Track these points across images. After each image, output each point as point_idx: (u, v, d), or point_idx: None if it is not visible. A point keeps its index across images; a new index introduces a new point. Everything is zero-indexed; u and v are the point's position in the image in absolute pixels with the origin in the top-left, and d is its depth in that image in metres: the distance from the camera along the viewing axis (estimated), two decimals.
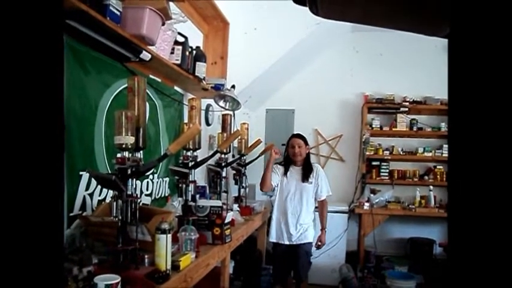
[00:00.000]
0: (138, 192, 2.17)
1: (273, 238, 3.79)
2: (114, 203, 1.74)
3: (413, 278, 4.38)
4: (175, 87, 3.38)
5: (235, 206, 3.58)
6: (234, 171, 3.82)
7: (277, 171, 3.78)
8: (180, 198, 2.54)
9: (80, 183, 2.13)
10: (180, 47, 2.87)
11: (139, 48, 2.24)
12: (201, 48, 3.44)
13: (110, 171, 2.27)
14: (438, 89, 4.92)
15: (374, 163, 5.37)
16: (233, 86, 3.68)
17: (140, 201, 2.59)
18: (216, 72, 4.05)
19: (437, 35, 0.81)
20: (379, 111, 5.40)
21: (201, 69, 3.20)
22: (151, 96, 2.91)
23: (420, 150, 5.26)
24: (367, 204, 4.98)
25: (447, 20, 0.56)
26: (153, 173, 2.95)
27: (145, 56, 2.29)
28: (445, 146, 5.17)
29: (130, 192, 1.76)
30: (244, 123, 4.03)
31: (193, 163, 2.52)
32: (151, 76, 2.88)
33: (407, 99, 5.22)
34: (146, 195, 2.88)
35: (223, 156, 3.19)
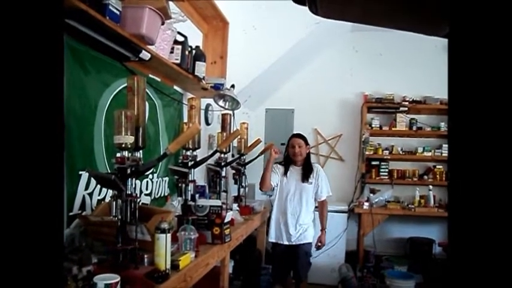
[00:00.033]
0: (137, 191, 2.17)
1: (272, 238, 3.78)
2: (114, 203, 1.74)
3: (412, 278, 4.38)
4: (175, 87, 3.37)
5: (235, 206, 3.58)
6: (234, 171, 3.82)
7: (277, 171, 3.77)
8: (179, 198, 2.54)
9: (80, 183, 2.12)
10: (180, 47, 2.87)
11: (139, 48, 2.23)
12: (201, 47, 3.44)
13: (109, 171, 2.27)
14: (438, 88, 4.92)
15: (373, 163, 5.38)
16: (233, 86, 3.67)
17: (140, 200, 2.59)
18: (216, 72, 4.05)
19: (437, 34, 0.81)
20: (378, 110, 5.40)
21: (200, 68, 3.20)
22: (151, 96, 2.91)
23: (420, 149, 5.26)
24: (366, 203, 4.98)
25: (446, 19, 0.56)
26: (152, 173, 2.95)
27: (144, 55, 2.29)
28: (445, 146, 5.17)
29: (129, 192, 1.76)
30: (243, 123, 4.03)
31: (192, 163, 2.52)
32: (150, 75, 2.88)
33: (407, 99, 5.23)
34: (146, 194, 2.88)
35: (222, 155, 3.19)
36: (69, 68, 1.98)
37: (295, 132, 4.10)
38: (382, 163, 5.35)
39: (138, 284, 1.63)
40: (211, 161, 2.94)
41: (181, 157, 2.53)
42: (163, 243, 1.75)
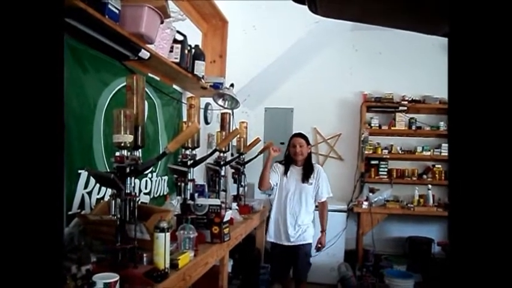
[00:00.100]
0: (136, 190, 2.17)
1: (271, 238, 3.76)
2: (113, 202, 1.74)
3: (411, 277, 4.39)
4: (174, 86, 3.37)
5: (234, 205, 3.58)
6: (233, 170, 3.82)
7: (277, 170, 3.75)
8: (178, 197, 2.54)
9: (79, 182, 2.12)
10: (179, 46, 2.86)
11: (138, 47, 2.23)
12: (200, 46, 3.44)
13: (108, 170, 2.27)
14: (437, 88, 4.93)
15: (373, 162, 5.39)
16: (232, 85, 3.67)
17: (139, 199, 2.58)
18: (215, 71, 4.05)
19: (436, 33, 0.81)
20: (378, 110, 5.40)
21: (199, 67, 3.19)
22: (150, 95, 2.90)
23: (419, 149, 5.26)
24: (365, 203, 4.99)
25: (446, 18, 0.56)
26: (151, 172, 2.94)
27: (144, 54, 2.29)
28: (444, 145, 5.18)
29: (129, 191, 1.76)
30: (243, 122, 4.03)
31: (192, 162, 2.52)
32: (150, 74, 2.88)
33: (406, 98, 5.23)
34: (145, 193, 2.88)
35: (222, 154, 3.19)
36: (68, 67, 1.98)
37: (295, 131, 4.08)
38: (382, 162, 5.36)
39: (137, 283, 1.63)
40: (210, 160, 2.94)
41: (180, 156, 2.53)
42: (163, 242, 1.75)
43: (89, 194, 2.20)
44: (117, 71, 2.42)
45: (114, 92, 2.40)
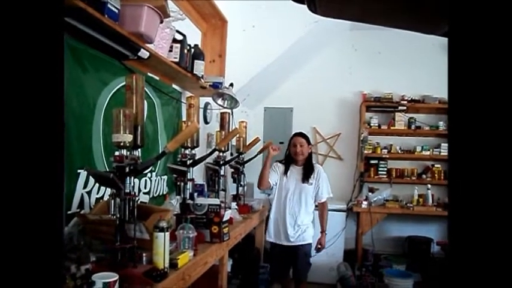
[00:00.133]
0: (136, 190, 2.17)
1: (271, 238, 3.74)
2: (112, 201, 1.74)
3: (411, 277, 4.39)
4: (174, 85, 3.37)
5: (234, 204, 3.57)
6: (232, 170, 3.82)
7: (277, 169, 3.73)
8: (178, 197, 2.54)
9: (78, 181, 2.12)
10: (179, 45, 2.86)
11: (138, 46, 2.23)
12: (199, 46, 3.44)
13: (107, 169, 2.27)
14: (436, 87, 4.93)
15: (372, 162, 5.39)
16: (231, 84, 3.67)
17: (138, 199, 2.58)
18: (214, 70, 4.05)
19: (435, 33, 0.82)
20: (377, 109, 5.41)
21: (199, 67, 3.19)
22: (150, 94, 2.90)
23: (418, 148, 5.27)
24: (365, 202, 4.99)
25: (445, 18, 0.56)
26: (151, 171, 2.94)
27: (143, 54, 2.28)
28: (443, 145, 5.19)
29: (128, 190, 1.75)
30: (242, 122, 4.03)
31: (191, 161, 2.51)
32: (149, 74, 2.88)
33: (406, 98, 5.23)
34: (144, 193, 2.88)
35: (221, 154, 3.18)
36: (67, 66, 1.97)
37: (294, 131, 4.07)
38: (381, 162, 5.37)
39: (137, 282, 1.63)
40: (209, 159, 2.94)
41: (179, 156, 2.53)
42: (162, 241, 1.75)
43: (88, 193, 2.20)
44: (117, 71, 2.41)
45: (113, 91, 2.40)
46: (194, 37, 3.64)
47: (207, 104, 4.20)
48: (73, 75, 2.04)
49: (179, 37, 2.89)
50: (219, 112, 3.81)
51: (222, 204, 2.64)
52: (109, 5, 1.93)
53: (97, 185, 2.23)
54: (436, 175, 5.22)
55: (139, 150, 1.84)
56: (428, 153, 5.23)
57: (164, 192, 3.16)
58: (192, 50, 3.15)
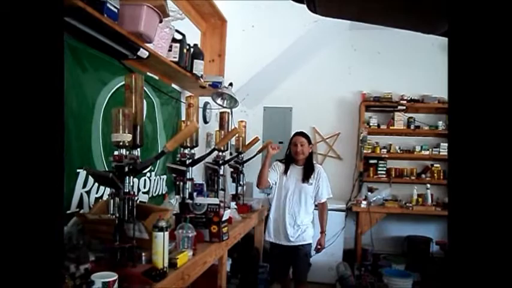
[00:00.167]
0: (135, 189, 2.17)
1: (270, 238, 3.70)
2: (111, 201, 1.74)
3: (410, 276, 4.39)
4: (173, 85, 3.37)
5: (233, 204, 3.57)
6: (232, 169, 3.82)
7: (277, 168, 3.70)
8: (177, 196, 2.54)
9: (77, 181, 2.12)
10: (178, 45, 2.86)
11: (137, 46, 2.23)
12: (199, 45, 3.44)
13: (107, 169, 2.27)
14: (436, 87, 4.94)
15: (371, 161, 5.39)
16: (231, 84, 3.67)
17: (137, 198, 2.59)
18: (214, 70, 4.05)
19: (434, 32, 0.82)
20: (376, 109, 5.41)
21: (198, 66, 3.19)
22: (149, 94, 2.90)
23: (417, 148, 5.27)
24: (364, 202, 5.00)
25: (444, 17, 0.56)
26: (150, 171, 2.94)
27: (142, 53, 2.28)
28: (443, 145, 5.19)
29: (127, 190, 1.75)
30: (241, 121, 4.03)
31: (190, 161, 2.52)
32: (148, 74, 2.88)
33: (405, 98, 5.23)
34: (143, 192, 2.88)
35: (220, 154, 3.18)
36: (67, 66, 1.97)
37: (294, 130, 4.05)
38: (380, 162, 5.37)
39: (136, 282, 1.63)
40: (209, 159, 2.94)
41: (179, 155, 2.53)
42: (161, 241, 1.75)
43: (88, 193, 2.20)
44: (116, 70, 2.41)
45: (112, 91, 2.40)
46: (193, 37, 3.64)
47: (206, 103, 4.20)
48: (72, 75, 2.04)
49: (178, 37, 2.89)
50: (218, 112, 3.80)
51: (221, 204, 2.64)
52: (108, 5, 1.93)
53: (96, 184, 2.23)
54: (435, 175, 5.23)
55: (138, 149, 1.84)
56: (427, 152, 5.23)
57: (163, 192, 3.16)
58: (192, 49, 3.15)
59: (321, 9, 0.84)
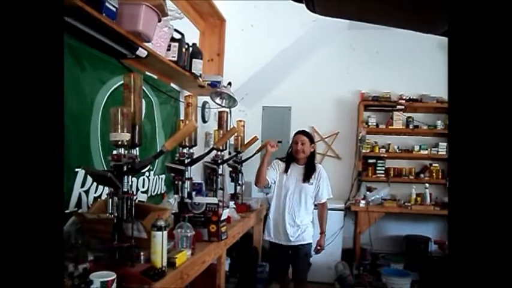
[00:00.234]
0: (134, 189, 2.17)
1: (270, 237, 3.68)
2: (110, 200, 1.74)
3: (409, 275, 4.40)
4: (172, 84, 3.37)
5: (232, 203, 3.56)
6: (230, 169, 3.81)
7: (276, 167, 3.67)
8: (176, 195, 2.54)
9: (76, 180, 2.12)
10: (177, 44, 2.86)
11: (136, 45, 2.23)
12: (198, 45, 3.44)
13: (105, 168, 2.27)
14: (434, 86, 4.95)
15: (370, 161, 5.40)
16: (229, 83, 3.67)
17: (136, 198, 2.58)
18: (213, 69, 4.05)
19: (434, 32, 0.82)
20: (375, 109, 5.42)
21: (197, 66, 3.19)
22: (148, 93, 2.90)
23: (416, 148, 5.28)
24: (363, 201, 5.00)
25: (443, 17, 0.56)
26: (149, 170, 2.94)
27: (141, 52, 2.28)
28: (441, 144, 5.20)
29: (126, 189, 1.75)
30: (240, 121, 4.03)
31: (189, 160, 2.51)
32: (147, 73, 2.87)
33: (404, 97, 5.24)
34: (142, 192, 2.88)
35: (219, 153, 3.18)
36: (65, 65, 1.97)
37: (292, 130, 4.06)
38: (379, 161, 5.38)
39: (134, 281, 1.63)
40: (207, 158, 2.94)
41: (177, 154, 2.53)
42: (160, 240, 1.75)
43: (86, 192, 2.20)
44: (115, 69, 2.41)
45: (111, 90, 2.40)
46: (192, 36, 3.64)
47: (205, 103, 4.20)
48: (71, 74, 2.04)
49: (177, 36, 2.88)
50: (217, 111, 3.80)
51: (220, 203, 2.63)
52: (107, 4, 1.93)
53: (95, 183, 2.22)
54: (434, 174, 5.24)
55: (137, 149, 1.84)
56: (426, 152, 5.24)
57: (162, 191, 3.16)
58: (190, 48, 3.14)
59: (320, 9, 0.84)
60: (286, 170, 3.64)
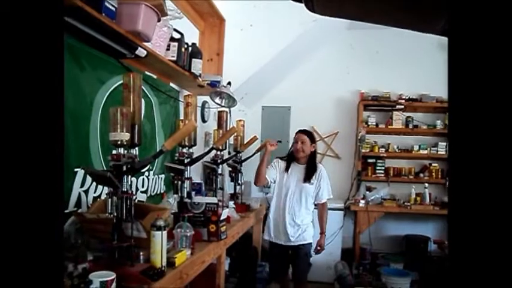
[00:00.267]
0: (133, 189, 2.16)
1: (270, 237, 3.65)
2: (109, 200, 1.74)
3: (408, 275, 4.39)
4: (171, 84, 3.37)
5: (231, 203, 3.56)
6: (230, 168, 3.81)
7: (277, 166, 3.64)
8: (175, 195, 2.54)
9: (75, 180, 2.12)
10: (176, 44, 2.86)
11: (135, 45, 2.23)
12: (197, 44, 3.44)
13: (105, 168, 2.27)
14: (434, 86, 4.95)
15: (370, 160, 5.40)
16: (229, 83, 3.67)
17: (135, 198, 2.58)
18: (212, 69, 4.05)
19: (434, 32, 0.82)
20: (375, 108, 5.41)
21: (197, 65, 3.19)
22: (147, 93, 2.90)
23: (416, 147, 5.28)
24: (362, 201, 5.00)
25: (443, 17, 0.56)
26: (148, 170, 2.94)
27: (140, 52, 2.28)
28: (441, 144, 5.20)
29: (125, 189, 1.75)
30: (240, 120, 4.03)
31: (189, 160, 2.51)
32: (146, 73, 2.87)
33: (403, 97, 5.24)
34: (142, 192, 2.88)
35: (219, 153, 3.18)
36: (65, 65, 1.97)
37: (293, 130, 4.05)
38: (378, 161, 5.37)
39: (134, 281, 1.62)
40: (207, 158, 2.94)
41: (177, 154, 2.53)
42: (159, 240, 1.75)
43: (86, 192, 2.20)
44: (114, 69, 2.41)
45: (110, 90, 2.40)
46: (192, 36, 3.64)
47: (204, 102, 4.20)
48: (70, 74, 2.04)
49: (177, 36, 2.88)
50: (216, 111, 3.80)
51: (220, 203, 2.63)
52: (106, 3, 1.93)
53: (94, 183, 2.22)
54: (433, 174, 5.23)
55: (136, 148, 1.84)
56: (425, 152, 5.24)
57: (162, 191, 3.16)
58: (190, 48, 3.14)
59: (320, 8, 0.84)
60: (286, 170, 3.61)
